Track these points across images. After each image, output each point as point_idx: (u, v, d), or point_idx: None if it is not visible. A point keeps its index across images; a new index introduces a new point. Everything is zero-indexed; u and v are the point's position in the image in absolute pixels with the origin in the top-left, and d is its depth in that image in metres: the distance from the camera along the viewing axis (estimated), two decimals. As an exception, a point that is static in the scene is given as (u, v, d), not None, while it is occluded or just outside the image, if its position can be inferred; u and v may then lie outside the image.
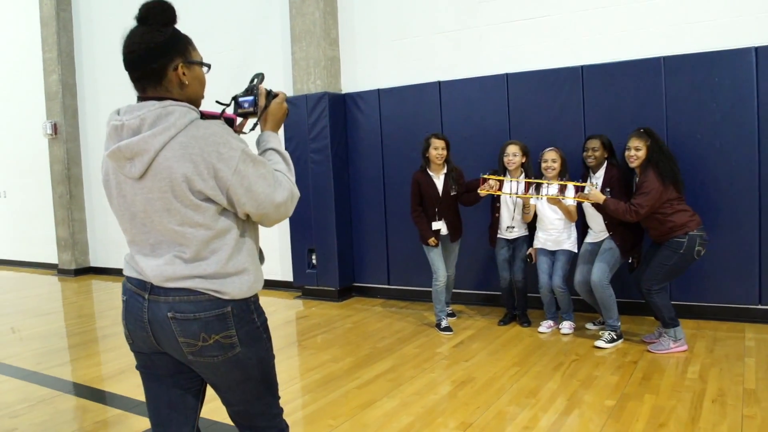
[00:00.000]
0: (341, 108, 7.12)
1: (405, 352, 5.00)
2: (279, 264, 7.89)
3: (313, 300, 7.25)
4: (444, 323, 5.57)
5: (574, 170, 5.32)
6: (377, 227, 7.03)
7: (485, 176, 5.22)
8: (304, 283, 7.42)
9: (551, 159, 5.22)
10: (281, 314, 6.68)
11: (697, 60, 5.30)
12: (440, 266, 5.54)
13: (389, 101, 6.84)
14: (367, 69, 7.18)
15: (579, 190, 4.99)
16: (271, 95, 2.09)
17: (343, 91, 7.29)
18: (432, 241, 5.50)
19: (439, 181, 5.53)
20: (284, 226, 7.56)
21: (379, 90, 6.92)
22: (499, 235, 5.60)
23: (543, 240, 5.37)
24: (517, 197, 5.35)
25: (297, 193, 1.93)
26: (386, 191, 6.93)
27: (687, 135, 5.34)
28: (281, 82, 7.59)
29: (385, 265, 7.02)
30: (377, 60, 7.09)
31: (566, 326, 5.29)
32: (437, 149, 5.44)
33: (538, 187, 5.26)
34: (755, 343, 4.80)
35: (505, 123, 6.14)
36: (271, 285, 7.93)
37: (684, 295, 5.44)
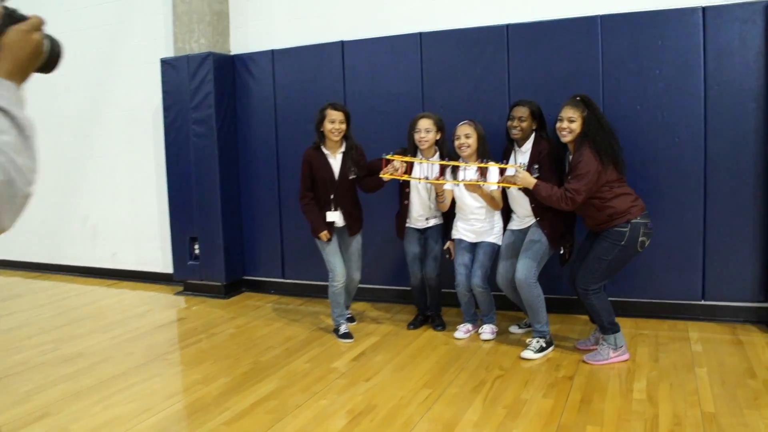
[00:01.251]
0: (229, 71, 6.05)
1: (294, 369, 4.06)
2: (160, 253, 6.79)
3: (197, 296, 6.20)
4: (343, 329, 4.67)
5: (498, 144, 4.49)
6: (270, 212, 6.02)
7: (389, 157, 4.31)
8: (186, 277, 6.35)
9: (464, 134, 4.34)
10: (156, 315, 5.62)
11: (638, 20, 4.57)
12: (337, 264, 4.60)
13: (285, 64, 5.83)
14: (260, 26, 6.15)
15: (503, 172, 4.15)
16: (10, 17, 1.12)
17: (232, 52, 6.24)
18: (324, 235, 4.55)
19: (335, 162, 4.55)
20: (163, 208, 6.47)
21: (273, 51, 5.89)
22: (408, 225, 4.71)
23: (462, 231, 4.52)
24: (428, 183, 4.46)
25: (23, 185, 1.00)
26: (280, 170, 5.91)
27: (626, 106, 4.60)
28: (162, 40, 6.46)
29: (279, 256, 6.03)
30: (272, 16, 6.07)
31: (487, 331, 4.48)
32: (334, 123, 4.42)
33: (455, 170, 4.38)
34: (702, 346, 4.14)
35: (417, 91, 5.25)
36: (150, 278, 6.85)
37: (618, 291, 4.72)
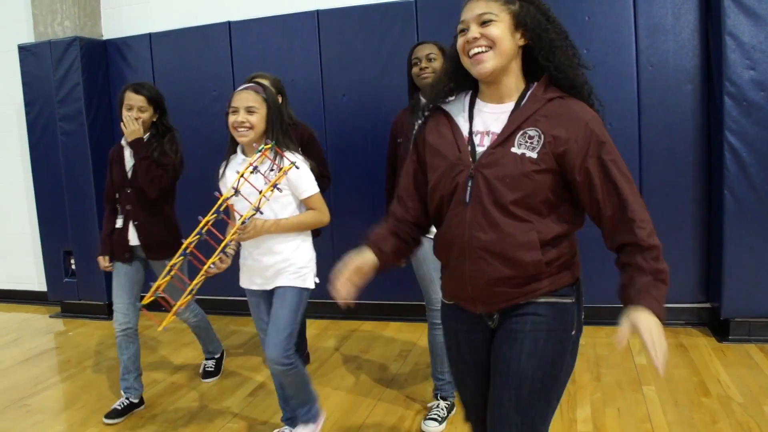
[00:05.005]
0: (100, 59, 5.23)
1: (178, 409, 3.37)
2: (34, 269, 5.89)
3: (77, 318, 5.38)
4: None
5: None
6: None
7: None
8: (63, 297, 5.51)
9: (245, 108, 2.67)
10: (25, 344, 4.76)
11: (562, -7, 4.09)
12: (119, 303, 3.38)
13: (164, 49, 5.08)
14: (135, 7, 5.36)
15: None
16: None
17: (104, 37, 5.40)
18: (101, 260, 3.44)
19: (130, 156, 3.38)
20: (33, 219, 5.59)
21: (150, 35, 5.12)
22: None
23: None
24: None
25: None
26: (166, 171, 5.17)
27: (552, 91, 4.13)
28: (22, 24, 5.55)
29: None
30: (149, -6, 5.29)
31: None
32: (131, 110, 3.29)
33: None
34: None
35: (316, 76, 4.66)
36: (23, 298, 5.95)
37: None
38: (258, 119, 2.63)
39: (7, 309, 5.85)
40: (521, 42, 1.64)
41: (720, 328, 4.02)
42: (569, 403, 3.19)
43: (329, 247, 4.47)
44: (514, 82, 1.68)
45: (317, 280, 2.77)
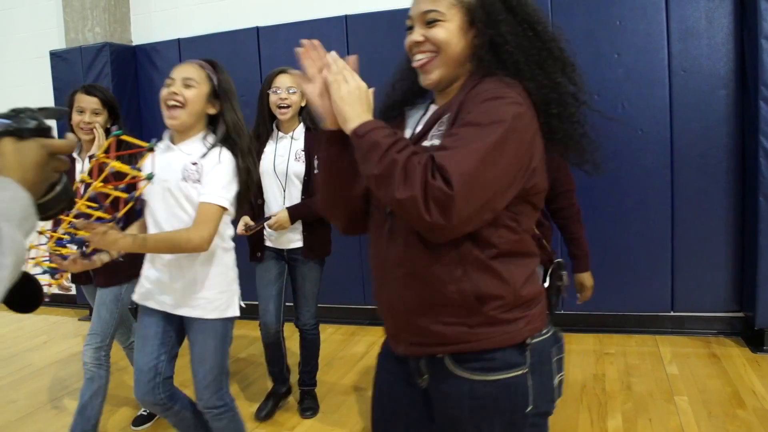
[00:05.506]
0: (130, 65, 5.28)
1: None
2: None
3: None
4: None
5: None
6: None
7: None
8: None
9: (90, 110, 2.84)
10: (54, 347, 4.82)
11: (592, -4, 4.05)
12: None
13: (193, 54, 4.98)
14: (164, 13, 5.41)
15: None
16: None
17: (134, 43, 5.46)
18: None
19: (81, 166, 2.91)
20: (62, 224, 5.65)
21: (179, 40, 5.17)
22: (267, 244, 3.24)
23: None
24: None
25: None
26: (194, 176, 5.20)
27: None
28: (53, 30, 5.64)
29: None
30: (177, 0, 5.34)
31: None
32: (83, 113, 2.82)
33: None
34: (677, 366, 3.66)
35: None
36: (52, 301, 5.96)
37: (582, 303, 4.20)
38: (194, 96, 2.14)
39: (38, 311, 5.85)
40: (477, 41, 1.30)
41: (754, 338, 3.93)
42: (600, 413, 3.14)
43: (356, 266, 4.48)
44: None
45: (243, 305, 2.29)
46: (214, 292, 2.17)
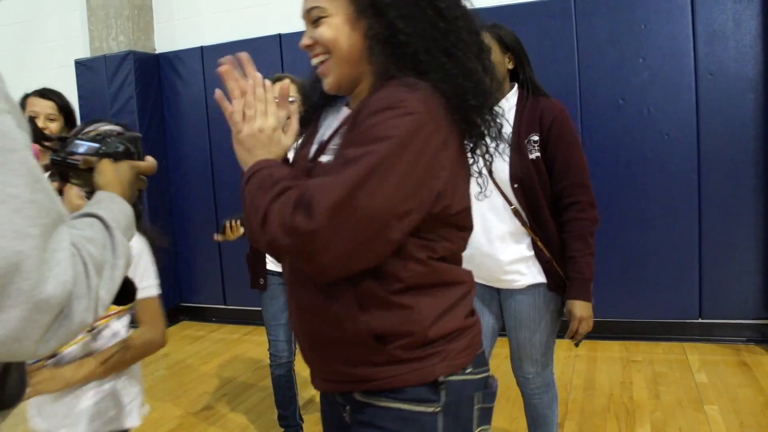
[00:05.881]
0: (153, 73, 5.32)
1: (230, 423, 3.37)
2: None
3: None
4: None
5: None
6: (206, 228, 5.30)
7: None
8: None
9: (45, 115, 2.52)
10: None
11: (618, 1, 4.01)
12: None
13: (216, 62, 5.02)
14: (187, 20, 5.45)
15: None
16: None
17: (157, 51, 5.50)
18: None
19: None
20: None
21: (202, 48, 5.20)
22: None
23: None
24: None
25: (82, 310, 0.73)
26: (216, 181, 5.22)
27: (606, 100, 4.05)
28: (78, 39, 5.71)
29: (219, 279, 5.31)
30: (200, 9, 5.38)
31: None
32: (37, 117, 2.50)
33: None
34: (706, 375, 3.59)
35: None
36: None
37: (606, 311, 4.13)
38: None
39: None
40: (371, 33, 1.12)
41: (785, 346, 3.86)
42: (628, 422, 3.09)
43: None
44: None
45: (146, 411, 1.75)
46: (116, 405, 1.66)
